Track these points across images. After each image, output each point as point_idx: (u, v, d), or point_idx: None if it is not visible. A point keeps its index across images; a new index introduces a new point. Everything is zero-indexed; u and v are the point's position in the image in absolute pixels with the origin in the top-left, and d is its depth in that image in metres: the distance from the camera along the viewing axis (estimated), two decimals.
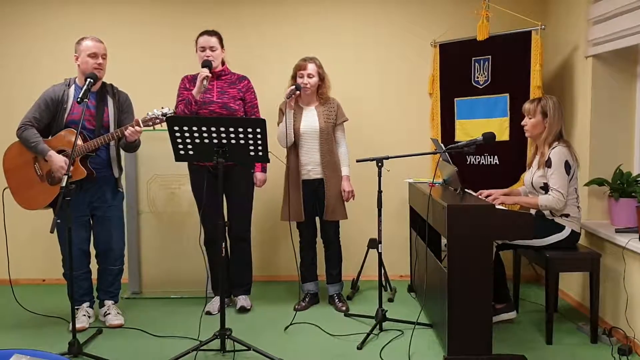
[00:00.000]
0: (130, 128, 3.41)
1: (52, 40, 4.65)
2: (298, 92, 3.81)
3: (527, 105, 3.53)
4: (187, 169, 3.96)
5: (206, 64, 3.69)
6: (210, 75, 3.67)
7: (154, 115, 3.40)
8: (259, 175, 3.99)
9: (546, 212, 3.41)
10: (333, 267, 4.08)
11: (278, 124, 3.97)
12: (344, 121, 4.03)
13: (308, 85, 3.85)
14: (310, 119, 3.92)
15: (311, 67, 3.87)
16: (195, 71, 3.78)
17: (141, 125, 3.41)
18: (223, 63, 3.91)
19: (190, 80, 3.85)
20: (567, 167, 3.32)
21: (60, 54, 4.53)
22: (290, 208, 3.89)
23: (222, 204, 3.92)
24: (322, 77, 3.93)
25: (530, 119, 3.49)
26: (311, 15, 4.70)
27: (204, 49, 3.79)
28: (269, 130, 3.10)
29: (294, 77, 3.90)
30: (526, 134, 3.57)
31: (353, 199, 4.01)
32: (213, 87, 3.83)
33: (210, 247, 3.94)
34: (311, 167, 3.93)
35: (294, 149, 3.94)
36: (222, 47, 3.87)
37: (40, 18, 4.67)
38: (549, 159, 3.34)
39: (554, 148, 3.37)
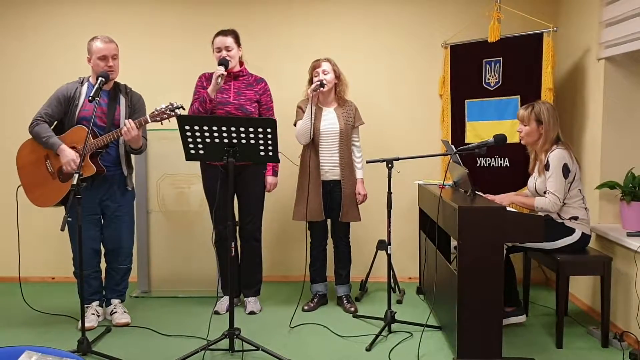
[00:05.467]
0: (127, 124, 3.39)
1: (64, 40, 4.68)
2: (322, 88, 3.79)
3: (520, 112, 3.50)
4: (199, 168, 3.96)
5: (222, 62, 3.67)
6: (225, 73, 3.64)
7: (160, 110, 3.39)
8: (269, 178, 3.96)
9: (554, 215, 3.40)
10: (342, 267, 4.08)
11: (295, 123, 3.95)
12: (361, 124, 4.02)
13: (325, 81, 3.80)
14: (331, 120, 3.91)
15: (325, 65, 3.86)
16: (205, 70, 3.77)
17: (149, 120, 3.41)
18: (241, 64, 3.89)
19: (208, 78, 3.82)
20: (566, 170, 3.30)
21: (73, 54, 4.56)
22: (309, 207, 3.87)
23: (233, 203, 3.93)
24: (337, 75, 3.92)
25: (525, 126, 3.46)
26: (322, 16, 4.71)
27: (219, 50, 3.76)
28: (280, 130, 3.09)
29: (310, 81, 3.89)
30: (522, 142, 3.55)
31: (365, 200, 4.01)
32: (230, 87, 3.80)
33: (221, 246, 3.93)
34: (328, 168, 3.92)
35: (312, 148, 3.91)
36: (239, 45, 3.83)
37: (53, 18, 4.70)
38: (548, 162, 3.33)
39: (552, 151, 3.35)
